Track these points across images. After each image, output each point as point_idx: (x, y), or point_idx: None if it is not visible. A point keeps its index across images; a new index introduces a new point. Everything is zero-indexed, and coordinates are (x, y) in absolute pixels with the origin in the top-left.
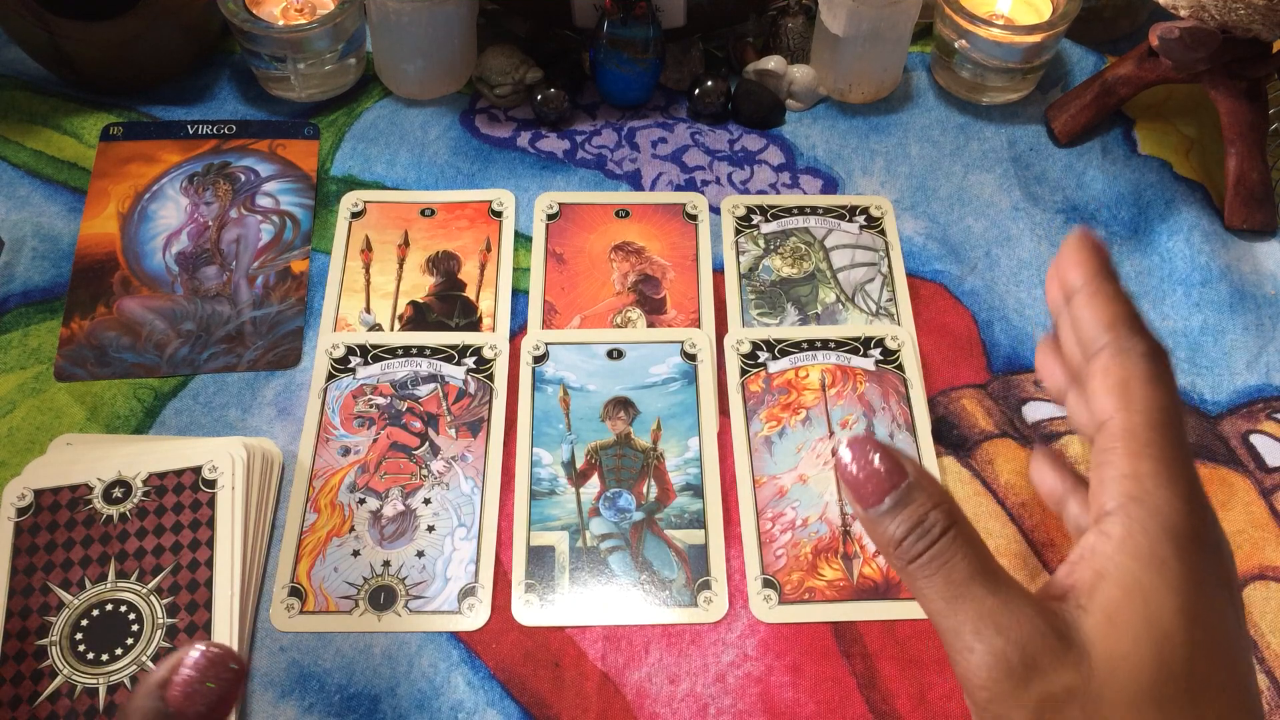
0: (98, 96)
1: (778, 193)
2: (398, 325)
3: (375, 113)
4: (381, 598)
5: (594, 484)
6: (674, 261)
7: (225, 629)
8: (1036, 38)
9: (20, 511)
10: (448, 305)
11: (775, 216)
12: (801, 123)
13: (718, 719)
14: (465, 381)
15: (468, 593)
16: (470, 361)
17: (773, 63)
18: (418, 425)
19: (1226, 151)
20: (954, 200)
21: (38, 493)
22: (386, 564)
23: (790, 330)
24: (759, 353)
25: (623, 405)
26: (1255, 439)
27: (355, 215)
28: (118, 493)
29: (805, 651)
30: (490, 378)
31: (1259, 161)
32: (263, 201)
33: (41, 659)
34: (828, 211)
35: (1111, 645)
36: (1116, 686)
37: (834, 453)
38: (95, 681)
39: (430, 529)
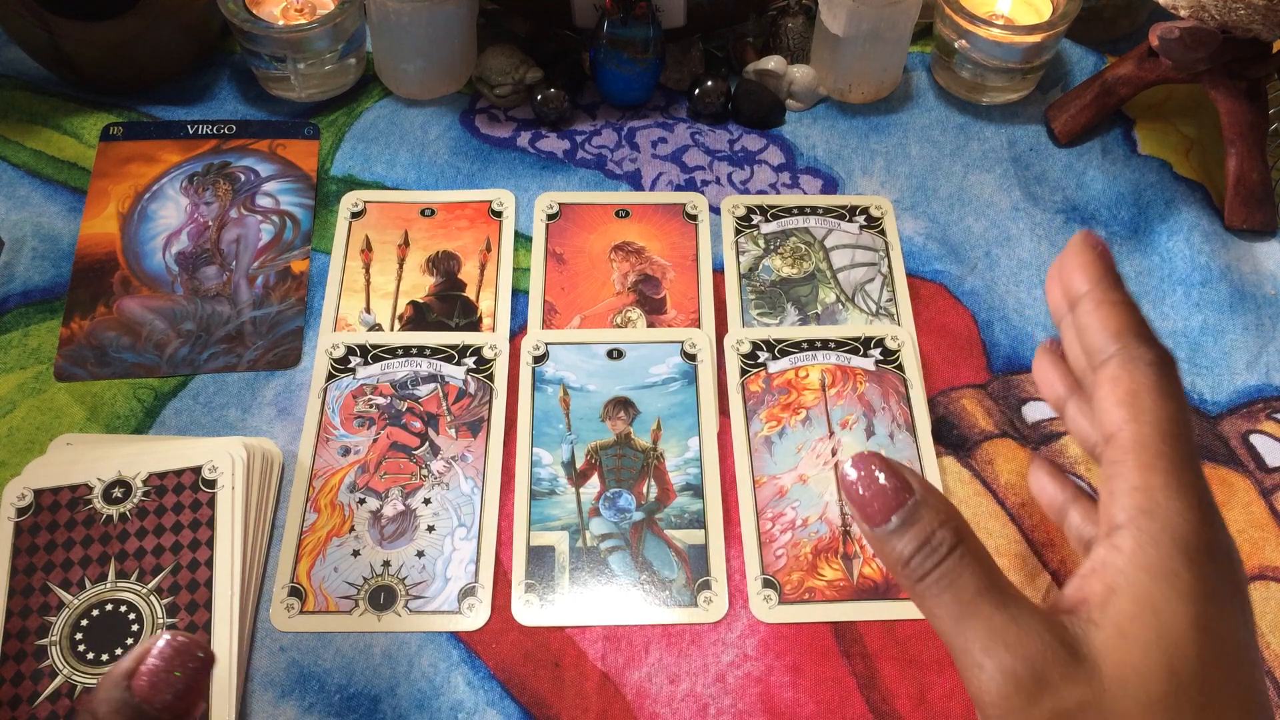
0: (98, 96)
1: (778, 193)
2: (398, 325)
3: (375, 113)
4: (381, 598)
5: (594, 484)
6: (674, 261)
7: (225, 629)
8: (1036, 38)
9: (20, 511)
10: (448, 305)
11: (775, 216)
12: (801, 123)
13: (718, 719)
14: (465, 381)
15: (468, 593)
16: (470, 361)
17: (773, 63)
18: (418, 425)
19: (1226, 151)
20: (954, 200)
21: (38, 493)
22: (386, 564)
23: (790, 330)
24: (759, 353)
25: (623, 405)
26: (1255, 439)
27: (355, 215)
28: (118, 493)
29: (805, 651)
30: (490, 378)
31: (1259, 161)
32: (263, 201)
33: (41, 659)
34: (828, 211)
35: (1122, 658)
36: (1128, 700)
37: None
38: (95, 681)
39: (430, 529)
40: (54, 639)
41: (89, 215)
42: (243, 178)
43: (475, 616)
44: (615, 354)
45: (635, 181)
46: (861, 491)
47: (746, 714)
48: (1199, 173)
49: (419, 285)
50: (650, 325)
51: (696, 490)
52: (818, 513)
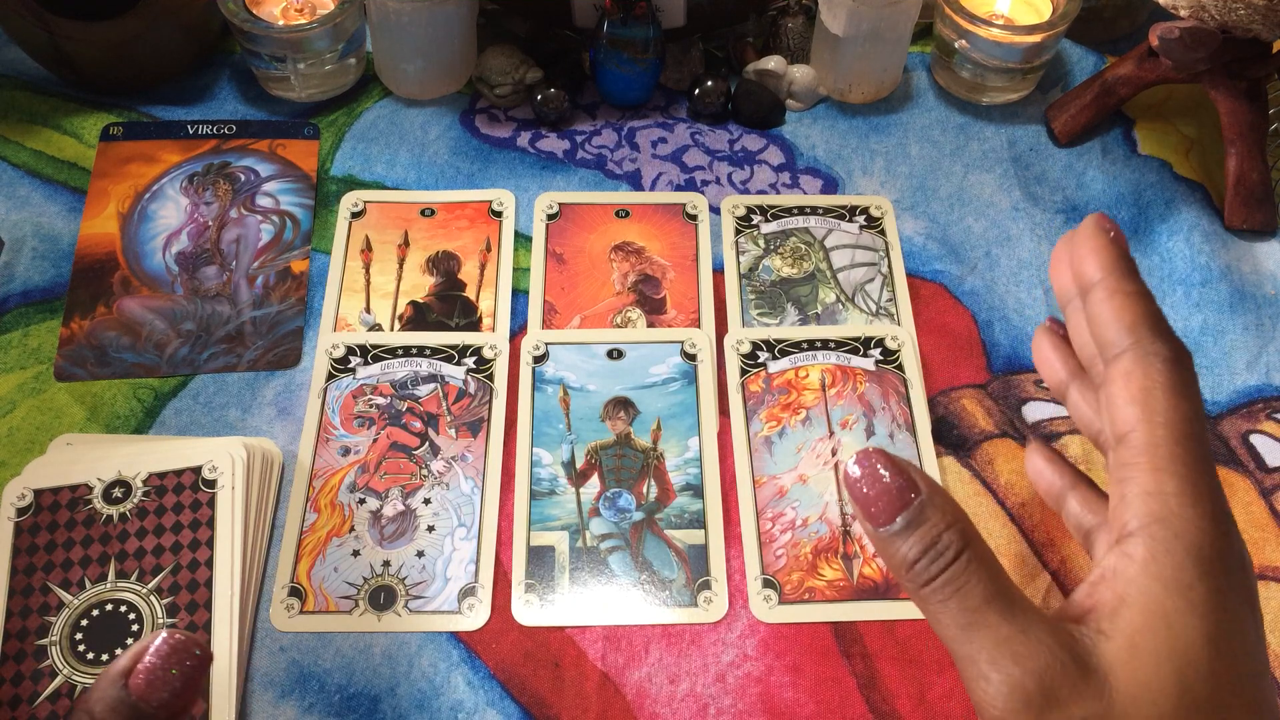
0: (98, 96)
1: (778, 193)
2: (398, 325)
3: (375, 113)
4: (381, 598)
5: (594, 484)
6: (674, 261)
7: (225, 629)
8: (1036, 38)
9: (20, 511)
10: (448, 305)
11: (775, 216)
12: (801, 123)
13: (718, 719)
14: (465, 381)
15: (468, 593)
16: (470, 361)
17: (773, 63)
18: (418, 425)
19: (1226, 151)
20: (954, 200)
21: (38, 493)
22: (386, 564)
23: (790, 330)
24: (759, 353)
25: (623, 405)
26: (1255, 439)
27: (355, 215)
28: (118, 493)
29: (805, 651)
30: (490, 378)
31: (1259, 161)
32: (263, 201)
33: (41, 659)
34: (828, 211)
35: (1133, 673)
36: (1138, 716)
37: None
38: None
39: (430, 529)
40: (54, 639)
41: (89, 215)
42: (243, 178)
43: (475, 616)
44: (615, 354)
45: (635, 181)
46: (865, 490)
47: (746, 714)
48: (1199, 173)
49: (419, 285)
50: (650, 325)
51: (696, 490)
52: (818, 513)
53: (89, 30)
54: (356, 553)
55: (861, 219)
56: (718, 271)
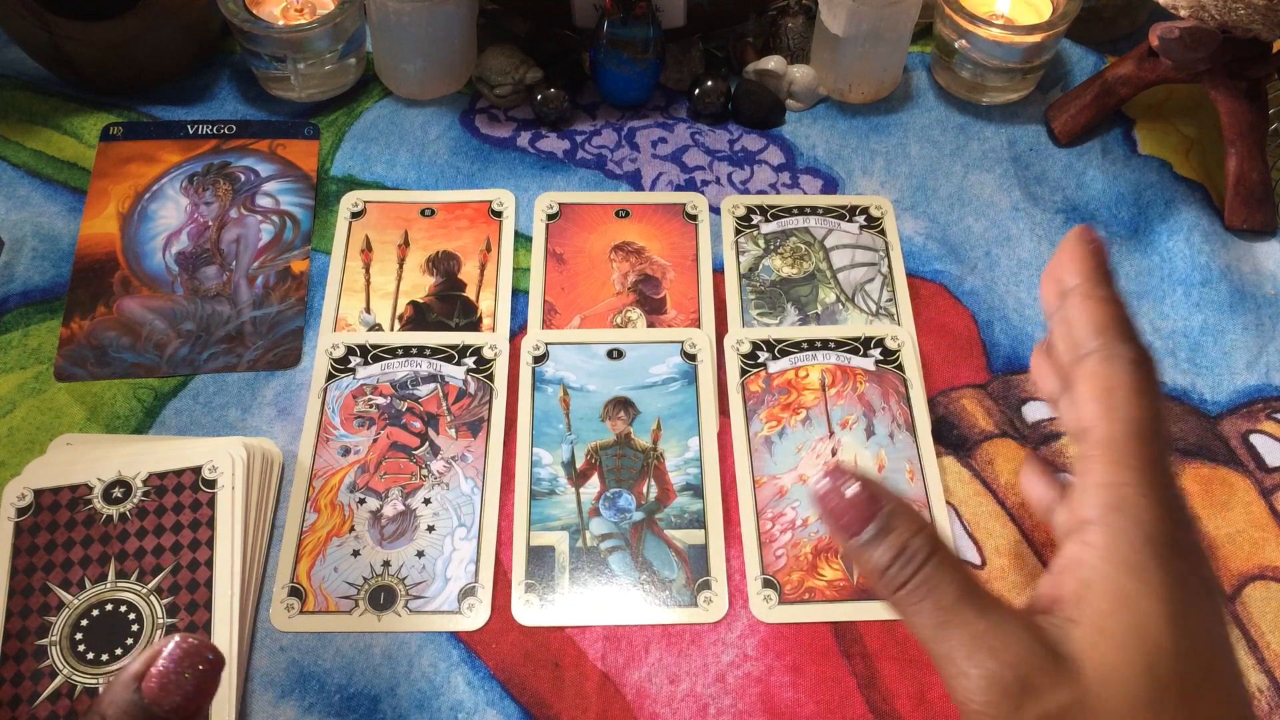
0: (98, 96)
1: (778, 193)
2: (398, 325)
3: (375, 113)
4: (381, 598)
5: (594, 484)
6: (674, 261)
7: (225, 629)
8: (1036, 38)
9: (20, 511)
10: (448, 305)
11: (775, 216)
12: (801, 123)
13: (718, 719)
14: (465, 381)
15: (468, 593)
16: (470, 361)
17: (773, 63)
18: (418, 425)
19: (1226, 151)
20: (954, 200)
21: (38, 493)
22: (386, 564)
23: (790, 330)
24: (759, 353)
25: (623, 405)
26: (1255, 439)
27: (355, 215)
28: (118, 493)
29: (805, 651)
30: (490, 378)
31: (1259, 161)
32: (263, 201)
33: (41, 659)
34: (828, 211)
35: (1103, 655)
36: (1111, 699)
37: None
38: (95, 681)
39: (430, 529)
40: (54, 639)
41: (89, 215)
42: (243, 178)
43: (475, 616)
44: (615, 354)
45: (635, 181)
46: (834, 503)
47: (746, 714)
48: (1199, 173)
49: (419, 285)
50: (650, 325)
51: (696, 490)
52: (818, 513)
53: (89, 30)
54: (356, 553)
55: (861, 219)
56: (718, 271)
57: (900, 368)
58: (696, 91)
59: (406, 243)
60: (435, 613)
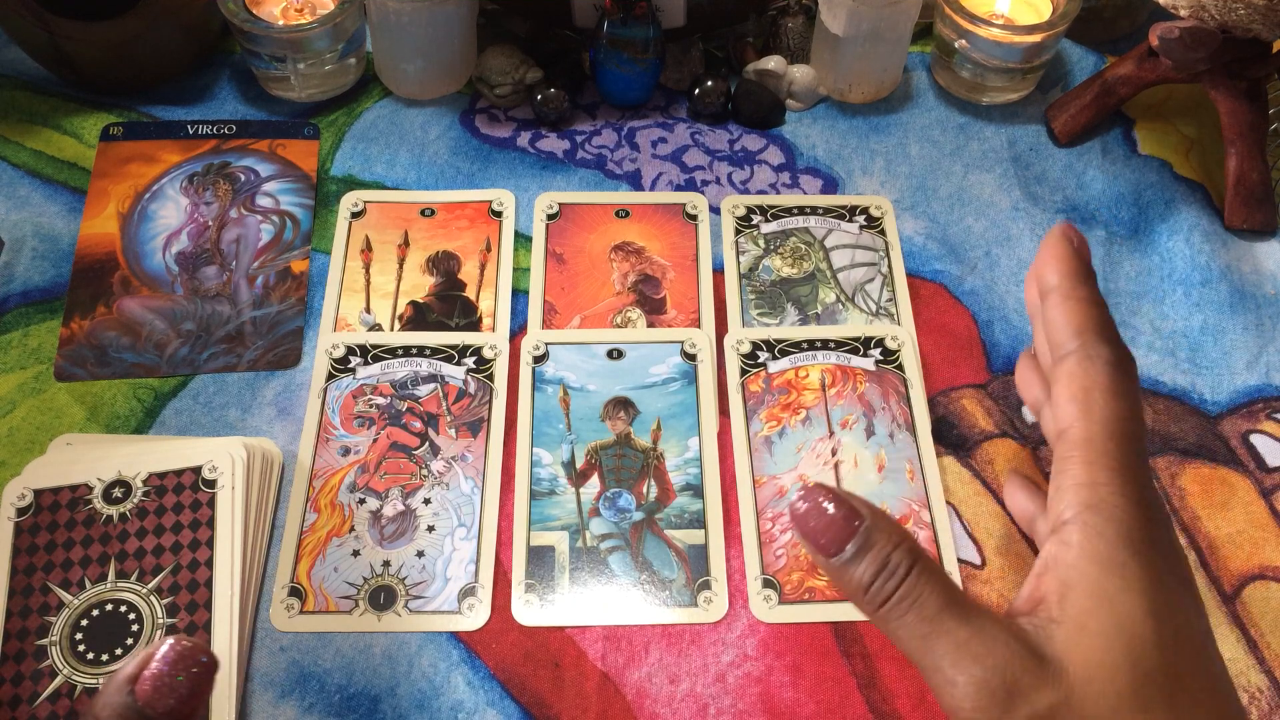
0: (98, 96)
1: (778, 193)
2: (398, 325)
3: (375, 113)
4: (381, 598)
5: (594, 484)
6: (674, 261)
7: (225, 629)
8: (1036, 38)
9: (20, 511)
10: (448, 305)
11: (775, 216)
12: (801, 123)
13: (718, 719)
14: (465, 381)
15: (468, 593)
16: (470, 361)
17: (773, 63)
18: (418, 425)
19: (1226, 151)
20: (954, 200)
21: (38, 493)
22: (386, 564)
23: (790, 330)
24: (759, 353)
25: (623, 405)
26: (1255, 439)
27: (355, 215)
28: (118, 493)
29: (805, 651)
30: (490, 378)
31: (1259, 161)
32: (263, 201)
33: (41, 659)
34: (828, 211)
35: (1086, 653)
36: (1096, 696)
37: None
38: (95, 681)
39: (430, 529)
40: (54, 639)
41: (89, 215)
42: (243, 178)
43: (475, 616)
44: (615, 354)
45: (635, 181)
46: (812, 523)
47: (746, 714)
48: (1199, 173)
49: (419, 285)
50: (650, 325)
51: (696, 490)
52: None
53: (89, 30)
54: (356, 553)
55: (861, 219)
56: (718, 271)
57: (900, 368)
58: (696, 91)
59: (406, 243)
60: (435, 613)
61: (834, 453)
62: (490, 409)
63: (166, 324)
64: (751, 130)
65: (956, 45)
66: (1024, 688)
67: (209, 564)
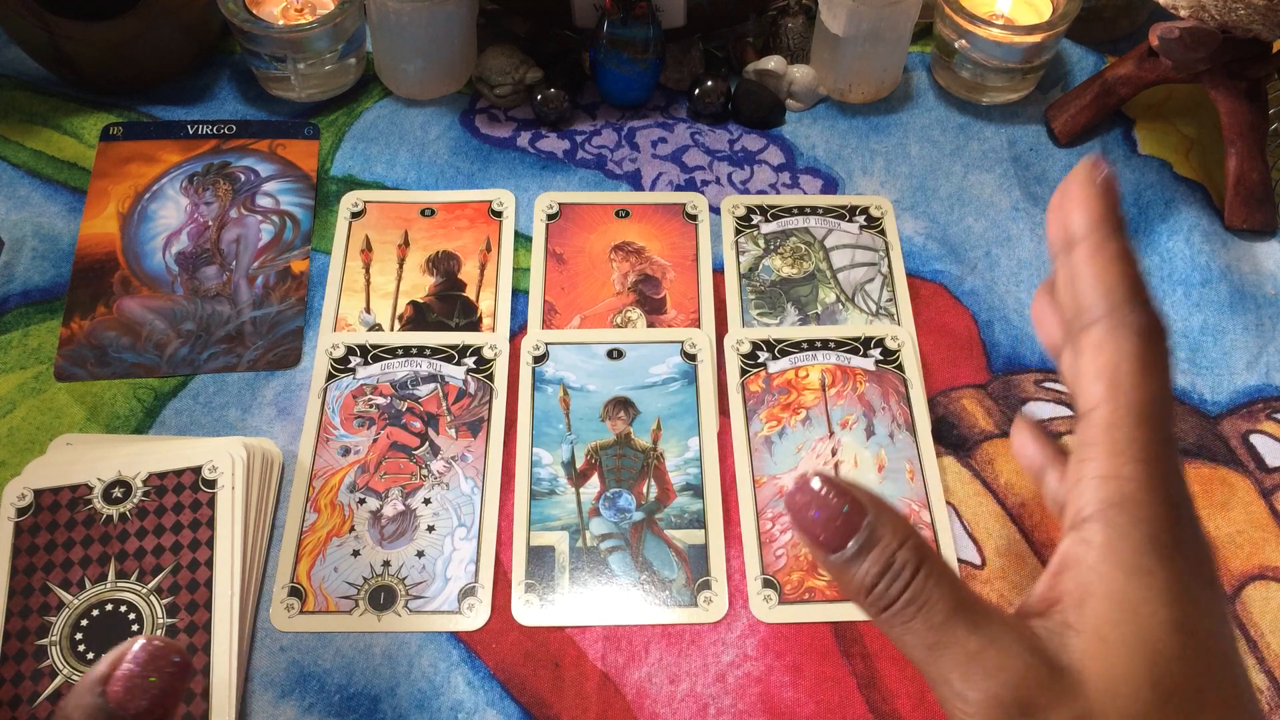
0: (98, 96)
1: (778, 193)
2: (398, 325)
3: (375, 113)
4: (381, 598)
5: (594, 484)
6: (674, 261)
7: (225, 629)
8: (1036, 38)
9: (20, 511)
10: (448, 305)
11: (775, 216)
12: (801, 123)
13: (718, 719)
14: (465, 381)
15: (468, 593)
16: (470, 361)
17: (773, 63)
18: (418, 425)
19: (1226, 151)
20: (954, 200)
21: (38, 493)
22: (386, 564)
23: (790, 330)
24: (759, 353)
25: (623, 405)
26: (1255, 439)
27: (355, 215)
28: (118, 493)
29: (805, 651)
30: (490, 378)
31: (1259, 161)
32: (263, 201)
33: (41, 659)
34: (828, 211)
35: (1106, 666)
36: (1116, 712)
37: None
38: None
39: (430, 529)
40: (54, 639)
41: (89, 215)
42: (243, 178)
43: (475, 616)
44: (615, 354)
45: (635, 181)
46: (813, 516)
47: (746, 714)
48: (1199, 173)
49: (419, 285)
50: (650, 325)
51: (696, 490)
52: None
53: (89, 30)
54: (356, 553)
55: (861, 219)
56: (718, 271)
57: (900, 368)
58: (696, 91)
59: (406, 243)
60: (435, 613)
61: (834, 453)
62: (490, 409)
63: (166, 324)
64: (751, 130)
65: (956, 45)
66: (1039, 704)
67: (209, 564)
